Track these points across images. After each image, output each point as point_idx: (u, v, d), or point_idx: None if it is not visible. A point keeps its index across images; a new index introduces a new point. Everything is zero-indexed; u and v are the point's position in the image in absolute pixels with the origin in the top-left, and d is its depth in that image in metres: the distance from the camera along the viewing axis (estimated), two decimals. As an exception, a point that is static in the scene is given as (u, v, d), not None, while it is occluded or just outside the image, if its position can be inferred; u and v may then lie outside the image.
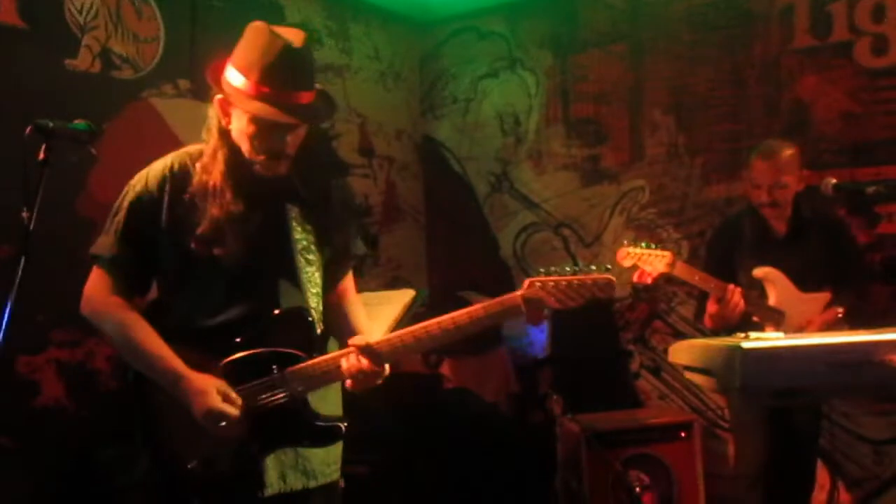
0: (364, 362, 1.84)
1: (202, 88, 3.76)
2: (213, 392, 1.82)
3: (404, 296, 3.25)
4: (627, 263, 3.04)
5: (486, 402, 4.38)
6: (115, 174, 3.22)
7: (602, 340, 4.59)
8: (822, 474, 3.64)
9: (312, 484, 1.99)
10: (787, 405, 2.95)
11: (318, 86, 1.94)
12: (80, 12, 3.38)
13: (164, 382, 1.87)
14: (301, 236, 1.97)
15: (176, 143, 3.56)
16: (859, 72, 3.81)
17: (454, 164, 5.18)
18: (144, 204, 1.91)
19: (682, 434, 3.84)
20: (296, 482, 1.96)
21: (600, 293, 1.78)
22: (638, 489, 3.69)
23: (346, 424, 1.93)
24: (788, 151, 3.08)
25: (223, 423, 1.82)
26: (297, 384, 1.88)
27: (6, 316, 1.64)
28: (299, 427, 1.92)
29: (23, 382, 3.11)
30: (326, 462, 2.04)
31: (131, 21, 3.57)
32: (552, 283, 1.76)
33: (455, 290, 5.01)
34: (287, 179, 1.94)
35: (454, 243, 5.16)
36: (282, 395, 1.88)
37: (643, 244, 3.03)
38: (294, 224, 1.96)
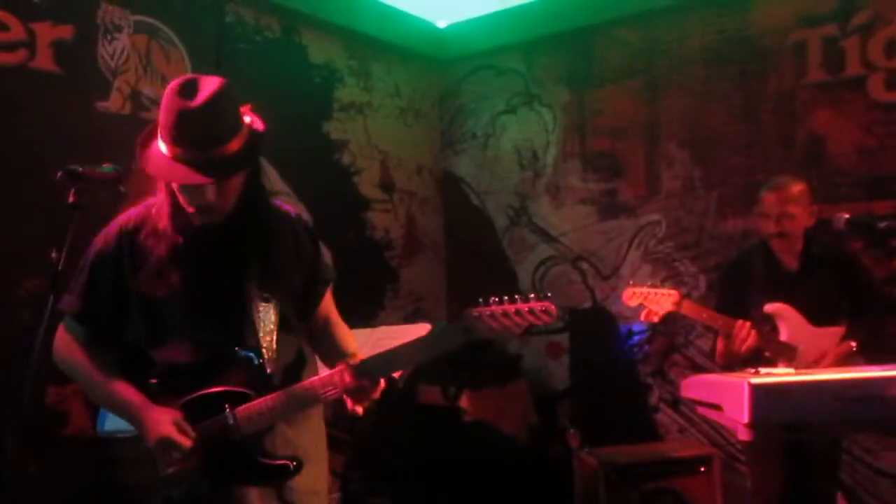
0: (360, 380, 1.91)
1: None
2: (168, 422, 1.90)
3: (420, 330, 3.29)
4: (633, 303, 3.07)
5: (504, 435, 4.39)
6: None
7: (620, 373, 4.60)
8: (843, 509, 3.61)
9: None
10: (795, 440, 2.95)
11: (247, 121, 1.95)
12: (112, 57, 3.54)
13: (125, 415, 1.97)
14: (252, 277, 2.01)
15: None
16: (873, 106, 3.83)
17: (473, 199, 5.27)
18: (105, 260, 1.99)
19: (702, 468, 3.81)
20: None
21: (538, 320, 1.88)
22: (656, 523, 3.68)
23: (295, 463, 1.97)
24: (797, 186, 3.12)
25: (174, 453, 1.89)
26: (248, 423, 1.94)
27: (37, 348, 1.72)
28: (249, 465, 1.96)
29: (51, 413, 3.20)
30: (313, 490, 2.07)
31: (160, 63, 3.72)
32: (489, 313, 1.86)
33: (474, 323, 5.05)
34: (232, 225, 1.98)
35: (474, 276, 5.22)
36: (233, 432, 1.93)
37: (649, 283, 3.07)
38: (246, 267, 2.01)
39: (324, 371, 2.14)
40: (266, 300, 2.01)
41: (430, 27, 5.14)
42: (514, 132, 5.09)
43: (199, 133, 1.83)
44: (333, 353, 2.14)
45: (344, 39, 4.69)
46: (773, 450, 3.09)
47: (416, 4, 4.94)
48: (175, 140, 1.83)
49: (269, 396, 1.95)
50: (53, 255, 1.71)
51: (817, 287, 3.08)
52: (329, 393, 1.95)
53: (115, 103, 3.54)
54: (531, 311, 1.88)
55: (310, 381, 1.99)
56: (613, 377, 4.63)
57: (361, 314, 4.35)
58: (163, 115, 1.86)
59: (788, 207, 3.05)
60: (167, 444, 1.88)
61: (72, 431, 3.28)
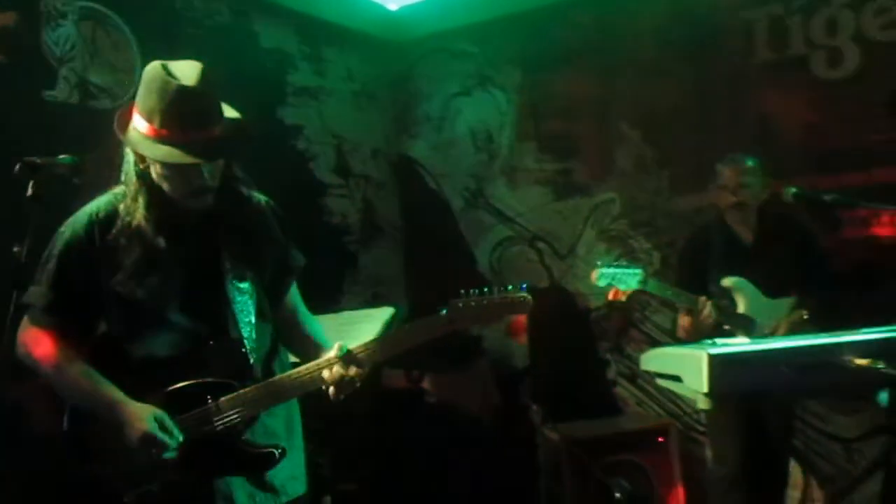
0: (348, 370, 1.93)
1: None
2: (149, 418, 1.86)
3: (384, 313, 3.32)
4: (602, 283, 3.14)
5: (468, 415, 4.45)
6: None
7: (579, 350, 4.68)
8: (795, 473, 3.75)
9: (283, 500, 2.05)
10: (752, 408, 3.07)
11: (232, 115, 1.98)
12: (57, 44, 3.44)
13: (101, 410, 1.90)
14: (231, 266, 2.01)
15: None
16: (816, 84, 3.95)
17: (430, 182, 5.28)
18: (73, 250, 1.94)
19: (660, 439, 3.94)
20: (266, 501, 2.01)
21: (516, 311, 2.03)
22: (618, 494, 3.78)
23: (280, 450, 1.98)
24: (751, 161, 3.28)
25: (155, 450, 1.86)
26: (233, 413, 1.94)
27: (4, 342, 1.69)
28: (234, 456, 1.97)
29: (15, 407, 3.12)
30: (293, 476, 2.09)
31: (108, 51, 3.63)
32: (472, 304, 1.98)
33: (434, 305, 5.08)
34: (211, 212, 1.99)
35: (432, 259, 5.24)
36: (217, 423, 1.93)
37: (615, 263, 3.15)
38: (224, 255, 2.01)
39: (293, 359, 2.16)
40: (243, 290, 2.00)
41: (382, 10, 5.10)
42: (468, 114, 5.11)
43: (201, 112, 1.84)
44: (304, 342, 2.15)
45: (295, 23, 4.63)
46: (732, 419, 3.21)
47: (368, -13, 4.91)
48: (173, 121, 1.81)
49: (253, 387, 1.95)
50: (16, 249, 1.67)
51: (772, 259, 3.21)
52: (316, 383, 1.97)
53: (62, 92, 3.45)
54: (509, 303, 2.01)
55: (296, 371, 1.99)
56: (572, 354, 4.71)
57: (321, 300, 4.31)
58: (151, 97, 1.83)
59: (744, 179, 3.21)
60: (149, 440, 1.85)
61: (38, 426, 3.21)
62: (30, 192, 1.79)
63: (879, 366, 2.19)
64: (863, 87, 3.82)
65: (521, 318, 4.77)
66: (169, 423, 1.89)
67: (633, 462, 3.87)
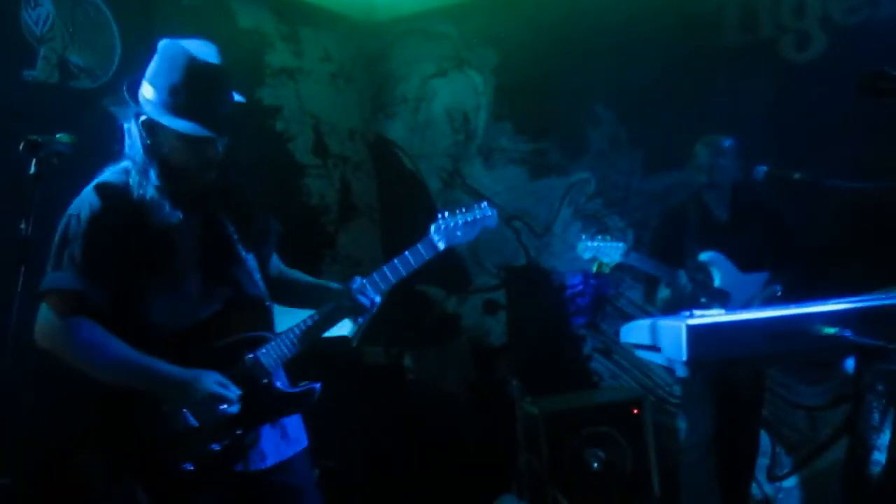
0: (367, 298, 2.17)
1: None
2: (207, 379, 1.95)
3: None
4: (587, 256, 3.26)
5: (447, 391, 4.54)
6: (76, 183, 3.32)
7: (555, 326, 4.79)
8: (763, 441, 3.90)
9: (297, 447, 2.18)
10: (730, 374, 3.20)
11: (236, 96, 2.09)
12: (37, 24, 3.41)
13: (152, 385, 1.93)
14: (235, 231, 2.14)
15: (136, 150, 3.65)
16: (785, 65, 4.07)
17: (407, 162, 5.33)
18: (96, 230, 1.93)
19: (634, 411, 4.07)
20: (287, 449, 2.14)
21: (485, 221, 2.44)
22: (595, 464, 3.91)
23: (318, 385, 2.13)
24: (727, 140, 3.42)
25: (224, 406, 1.94)
26: (271, 361, 2.07)
27: (14, 321, 1.71)
28: (278, 400, 2.09)
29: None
30: (300, 427, 2.23)
31: (87, 31, 3.60)
32: (451, 225, 2.39)
33: (413, 284, 5.16)
34: (211, 183, 2.09)
35: (409, 239, 5.19)
36: (260, 374, 2.05)
37: (599, 237, 3.25)
38: (226, 222, 2.13)
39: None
40: (248, 252, 2.14)
41: (358, -10, 5.12)
42: (445, 95, 5.15)
43: (222, 89, 1.97)
44: (307, 289, 2.32)
45: (273, 3, 4.63)
46: (705, 389, 3.35)
47: (345, -32, 4.91)
48: (198, 96, 1.91)
49: (282, 334, 2.10)
50: (22, 226, 1.70)
51: (745, 236, 3.34)
52: (342, 313, 2.17)
53: (42, 72, 3.42)
54: (479, 215, 2.42)
55: (320, 309, 2.16)
56: (549, 330, 4.82)
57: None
58: (179, 73, 1.91)
59: (719, 159, 3.33)
60: (217, 398, 1.93)
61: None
62: (32, 169, 1.82)
63: (846, 334, 2.30)
64: (829, 69, 3.95)
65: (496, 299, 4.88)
66: (224, 380, 1.98)
67: (609, 434, 3.99)
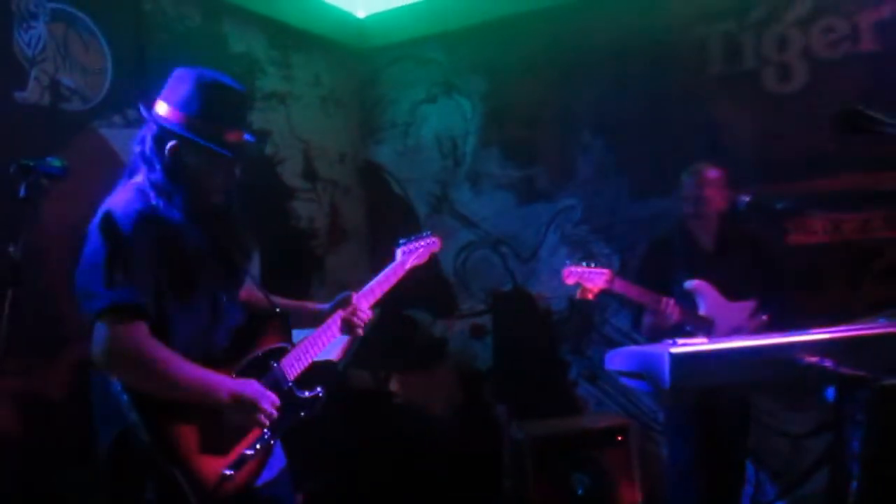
0: (364, 312, 2.44)
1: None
2: (260, 393, 2.04)
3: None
4: (571, 281, 3.28)
5: (433, 416, 4.54)
6: (66, 205, 3.33)
7: (541, 351, 4.81)
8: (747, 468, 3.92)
9: (281, 465, 2.24)
10: (713, 402, 3.22)
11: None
12: (29, 45, 3.44)
13: (214, 398, 1.96)
14: (240, 253, 2.22)
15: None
16: (766, 96, 4.15)
17: (395, 187, 5.36)
18: (142, 246, 1.91)
19: (619, 437, 4.08)
20: (275, 465, 2.19)
21: (431, 249, 2.87)
22: (580, 490, 3.91)
23: (321, 390, 2.26)
24: (713, 171, 3.43)
25: (273, 413, 2.04)
26: (292, 371, 2.21)
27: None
28: (295, 403, 2.19)
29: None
30: (280, 445, 2.28)
31: (79, 53, 3.63)
32: (412, 248, 2.81)
33: (400, 309, 5.18)
34: (219, 206, 2.16)
35: (397, 262, 5.30)
36: (285, 381, 2.16)
37: (584, 263, 3.28)
38: (232, 245, 2.19)
39: None
40: (253, 272, 2.26)
41: (349, 17, 5.18)
42: (434, 121, 5.20)
43: (245, 114, 2.12)
44: (296, 311, 2.43)
45: (264, 29, 4.68)
46: (687, 418, 3.36)
47: (336, -6, 4.98)
48: (227, 120, 2.03)
49: (299, 343, 2.25)
50: (11, 249, 1.72)
51: (731, 265, 3.37)
52: (340, 326, 2.38)
53: (33, 93, 3.45)
54: (431, 242, 2.86)
55: (325, 324, 2.33)
56: (535, 355, 4.84)
57: (289, 303, 4.38)
58: (208, 98, 2.00)
59: (705, 191, 3.36)
60: (268, 401, 2.03)
61: None
62: (23, 193, 1.83)
63: (827, 364, 2.33)
64: (810, 101, 4.03)
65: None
66: (264, 389, 2.07)
67: (594, 459, 3.99)
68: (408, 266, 2.74)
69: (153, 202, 1.98)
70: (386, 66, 5.36)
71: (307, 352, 2.27)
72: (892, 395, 1.90)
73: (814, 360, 2.40)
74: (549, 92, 4.78)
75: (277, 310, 2.25)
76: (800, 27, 4.06)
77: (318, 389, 2.26)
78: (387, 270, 2.66)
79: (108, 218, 1.91)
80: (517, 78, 4.89)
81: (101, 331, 1.85)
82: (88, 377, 1.98)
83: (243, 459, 2.02)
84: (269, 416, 2.03)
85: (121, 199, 1.97)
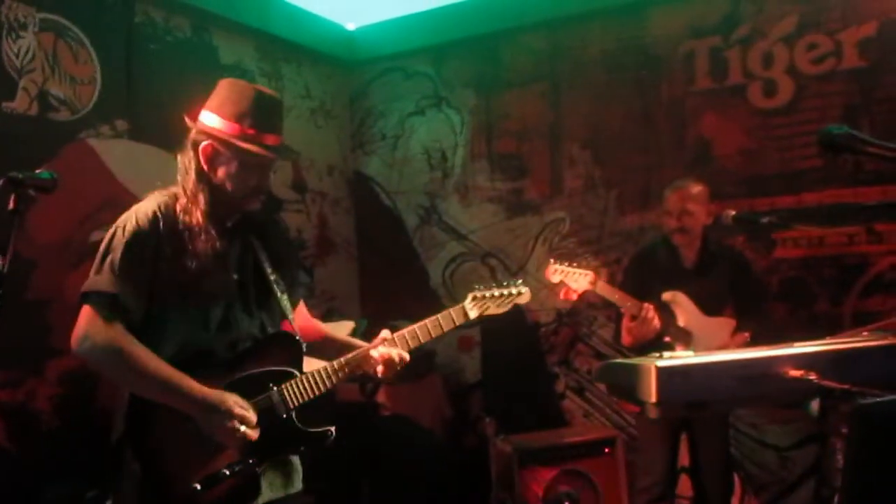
0: (395, 351, 2.18)
1: (139, 128, 3.85)
2: (231, 404, 1.98)
3: (345, 328, 3.41)
4: (555, 279, 3.30)
5: (422, 428, 4.53)
6: (54, 214, 3.32)
7: (529, 364, 4.82)
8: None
9: (290, 491, 2.17)
10: (698, 415, 3.24)
11: None
12: (17, 56, 3.43)
13: (179, 401, 1.96)
14: (268, 264, 2.19)
15: (113, 183, 3.66)
16: (752, 111, 4.20)
17: (384, 198, 5.37)
18: (137, 242, 1.99)
19: (606, 450, 4.09)
20: (280, 490, 2.13)
21: (518, 299, 2.44)
22: (567, 503, 3.91)
23: (332, 431, 2.14)
24: (696, 187, 3.45)
25: (244, 430, 1.97)
26: (294, 399, 2.09)
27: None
28: (295, 436, 2.10)
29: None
30: (299, 472, 2.22)
31: (68, 63, 3.63)
32: (487, 295, 2.42)
33: (388, 320, 5.15)
34: (254, 215, 2.16)
35: (386, 274, 5.33)
36: (279, 407, 2.07)
37: (567, 263, 3.30)
38: (261, 254, 2.18)
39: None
40: (281, 288, 2.19)
41: (339, 29, 5.20)
42: (423, 133, 5.23)
43: (280, 119, 2.13)
44: (325, 342, 2.35)
45: (255, 40, 4.69)
46: (664, 431, 3.39)
47: (327, 7, 4.99)
48: (264, 124, 2.04)
49: (308, 373, 2.12)
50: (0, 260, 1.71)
51: (711, 281, 3.40)
52: (368, 362, 2.18)
53: (21, 103, 3.44)
54: (513, 292, 2.43)
55: (350, 355, 2.17)
56: (522, 368, 4.85)
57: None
58: (246, 103, 2.04)
59: (688, 205, 3.38)
60: (236, 425, 1.96)
61: None
62: (11, 205, 1.83)
63: (811, 377, 2.35)
64: (795, 116, 4.08)
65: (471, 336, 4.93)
66: (245, 404, 2.01)
67: (581, 472, 4.00)
68: (473, 317, 2.40)
69: (176, 203, 2.05)
70: (375, 79, 5.39)
71: (317, 384, 2.13)
72: (872, 412, 1.92)
73: (799, 373, 2.42)
74: (538, 105, 4.82)
75: (296, 338, 2.14)
76: (785, 43, 4.12)
77: (330, 428, 2.13)
78: (442, 315, 2.33)
79: (126, 213, 2.04)
80: (506, 91, 4.93)
81: (81, 316, 1.96)
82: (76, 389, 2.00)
83: (217, 478, 1.97)
84: (240, 434, 1.96)
85: (145, 200, 2.08)
